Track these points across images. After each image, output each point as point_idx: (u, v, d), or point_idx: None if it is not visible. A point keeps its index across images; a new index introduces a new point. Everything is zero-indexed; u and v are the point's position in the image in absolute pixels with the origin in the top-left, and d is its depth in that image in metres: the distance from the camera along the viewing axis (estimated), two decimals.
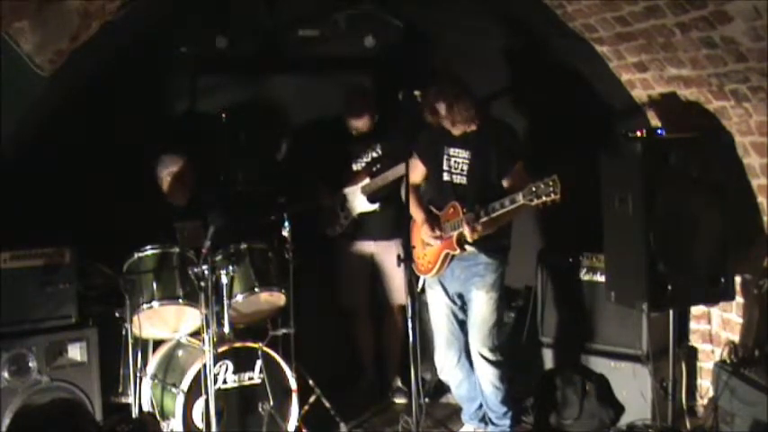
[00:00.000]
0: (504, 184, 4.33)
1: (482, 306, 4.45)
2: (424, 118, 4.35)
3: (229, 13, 5.29)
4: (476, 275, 4.44)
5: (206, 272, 4.25)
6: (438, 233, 4.38)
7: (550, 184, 3.84)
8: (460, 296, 4.55)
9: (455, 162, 4.41)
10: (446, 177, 4.45)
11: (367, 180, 5.16)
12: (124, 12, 4.11)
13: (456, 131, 4.37)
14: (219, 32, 5.24)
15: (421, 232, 4.49)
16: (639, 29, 4.15)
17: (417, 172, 4.60)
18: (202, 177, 5.02)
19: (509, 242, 4.50)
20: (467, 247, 4.35)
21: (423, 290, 4.68)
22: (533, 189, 3.89)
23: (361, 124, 5.21)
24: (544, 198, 3.87)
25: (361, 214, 5.22)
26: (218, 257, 4.46)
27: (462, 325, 4.60)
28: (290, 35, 5.43)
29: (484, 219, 4.16)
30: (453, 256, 4.40)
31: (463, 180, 4.40)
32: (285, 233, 4.64)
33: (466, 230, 4.20)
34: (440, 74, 4.60)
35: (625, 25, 4.21)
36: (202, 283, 4.27)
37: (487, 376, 4.52)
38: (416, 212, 4.53)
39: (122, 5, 4.05)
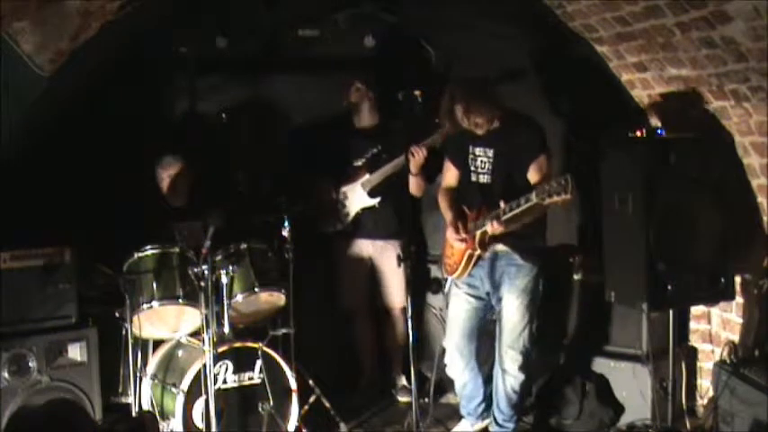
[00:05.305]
0: (529, 178, 4.30)
1: (512, 311, 4.42)
2: (442, 123, 4.34)
3: (229, 13, 5.29)
4: (508, 278, 4.40)
5: (206, 272, 4.25)
6: (462, 236, 4.37)
7: (563, 182, 3.83)
8: (491, 295, 4.51)
9: (480, 161, 4.40)
10: (473, 178, 4.44)
11: (367, 176, 5.17)
12: (124, 12, 4.10)
13: (479, 130, 4.34)
14: (219, 32, 5.25)
15: (447, 234, 4.50)
16: (639, 29, 4.16)
17: (450, 174, 4.60)
18: (202, 178, 5.02)
19: (544, 243, 4.48)
20: (500, 246, 4.34)
21: (449, 289, 4.65)
22: (546, 188, 3.88)
23: (368, 115, 5.22)
24: (555, 197, 3.87)
25: (362, 210, 5.22)
26: (218, 257, 4.46)
27: (482, 327, 4.58)
28: (290, 35, 5.44)
29: (503, 218, 4.14)
30: (479, 257, 4.38)
31: (488, 179, 4.39)
32: (285, 233, 4.65)
33: (488, 227, 4.19)
34: (453, 79, 4.59)
35: (625, 25, 4.21)
36: (202, 283, 4.27)
37: (509, 380, 4.49)
38: (446, 213, 4.54)
39: (122, 5, 4.05)
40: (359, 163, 5.26)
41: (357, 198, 5.22)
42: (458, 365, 4.63)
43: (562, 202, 3.92)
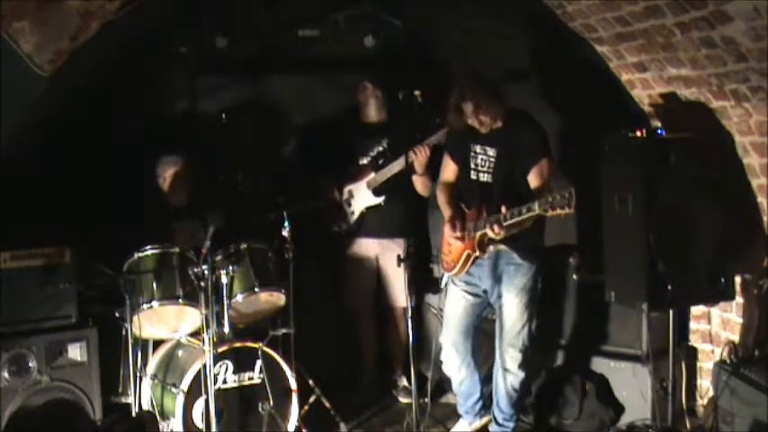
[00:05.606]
0: (529, 181, 4.30)
1: (512, 309, 4.42)
2: (449, 119, 4.34)
3: (229, 13, 5.29)
4: (506, 276, 4.40)
5: (206, 272, 4.25)
6: (460, 233, 4.37)
7: (566, 196, 3.83)
8: (489, 293, 4.51)
9: (482, 160, 4.40)
10: (473, 176, 4.44)
11: (372, 175, 5.18)
12: (124, 12, 4.11)
13: (483, 129, 4.34)
14: (219, 32, 5.25)
15: (444, 230, 4.50)
16: (639, 29, 4.15)
17: (449, 169, 4.61)
18: (202, 178, 5.02)
19: (542, 242, 4.48)
20: (501, 245, 4.33)
21: (446, 285, 4.66)
22: (549, 199, 3.88)
23: (374, 112, 5.23)
24: (558, 210, 3.88)
25: (367, 209, 5.23)
26: (218, 257, 4.46)
27: (478, 324, 4.59)
28: (290, 35, 5.45)
29: (505, 224, 4.14)
30: (476, 257, 4.39)
31: (489, 178, 4.39)
32: (285, 233, 4.65)
33: (488, 232, 4.20)
34: (463, 73, 4.57)
35: (625, 25, 4.21)
36: (202, 283, 4.27)
37: (509, 378, 4.49)
38: (445, 209, 4.55)
39: (122, 5, 4.05)
40: (364, 161, 5.26)
41: (362, 197, 5.22)
42: (454, 362, 4.63)
43: (565, 216, 3.92)
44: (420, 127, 4.80)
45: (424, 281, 5.44)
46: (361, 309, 5.43)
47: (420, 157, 4.86)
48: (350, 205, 5.26)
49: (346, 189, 5.27)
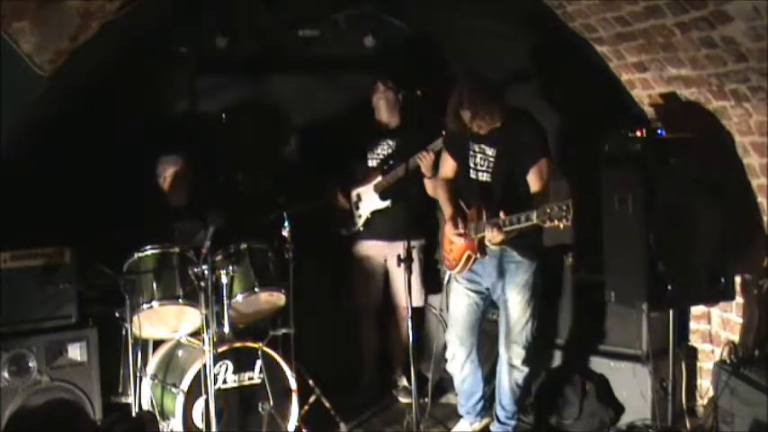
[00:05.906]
0: (528, 181, 4.30)
1: (514, 306, 4.44)
2: (449, 124, 4.35)
3: (229, 13, 5.30)
4: (507, 274, 4.42)
5: (206, 272, 4.25)
6: (461, 231, 4.38)
7: (564, 208, 3.83)
8: (491, 291, 4.52)
9: (481, 159, 4.40)
10: (472, 175, 4.44)
11: (379, 178, 5.17)
12: (124, 12, 4.11)
13: (482, 131, 4.32)
14: (219, 32, 5.25)
15: (446, 228, 4.51)
16: (639, 29, 4.15)
17: (448, 165, 4.61)
18: (202, 178, 5.02)
19: (540, 240, 4.48)
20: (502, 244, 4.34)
21: (448, 282, 4.67)
22: (547, 210, 3.89)
23: (384, 114, 5.22)
24: (556, 222, 3.88)
25: (374, 212, 5.23)
26: (218, 257, 4.46)
27: (481, 321, 4.60)
28: (290, 35, 5.45)
29: (504, 229, 4.14)
30: (476, 258, 4.39)
31: (488, 178, 4.39)
32: (285, 233, 4.65)
33: (488, 233, 4.20)
34: (463, 75, 4.57)
35: (625, 25, 4.21)
36: (202, 283, 4.27)
37: (514, 374, 4.51)
38: (445, 207, 4.56)
39: (122, 5, 4.05)
40: (372, 163, 5.26)
41: (369, 200, 5.22)
42: (459, 358, 4.64)
43: (562, 227, 3.93)
44: (419, 126, 4.79)
45: (428, 281, 5.44)
46: (366, 309, 5.43)
47: (425, 162, 4.85)
48: (358, 208, 5.26)
49: (354, 192, 5.26)
